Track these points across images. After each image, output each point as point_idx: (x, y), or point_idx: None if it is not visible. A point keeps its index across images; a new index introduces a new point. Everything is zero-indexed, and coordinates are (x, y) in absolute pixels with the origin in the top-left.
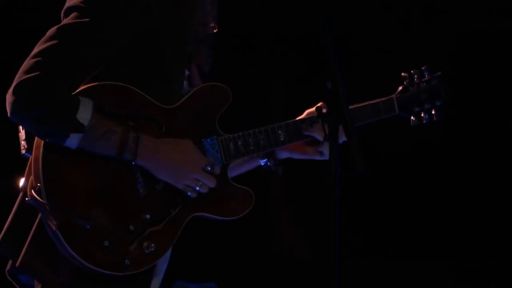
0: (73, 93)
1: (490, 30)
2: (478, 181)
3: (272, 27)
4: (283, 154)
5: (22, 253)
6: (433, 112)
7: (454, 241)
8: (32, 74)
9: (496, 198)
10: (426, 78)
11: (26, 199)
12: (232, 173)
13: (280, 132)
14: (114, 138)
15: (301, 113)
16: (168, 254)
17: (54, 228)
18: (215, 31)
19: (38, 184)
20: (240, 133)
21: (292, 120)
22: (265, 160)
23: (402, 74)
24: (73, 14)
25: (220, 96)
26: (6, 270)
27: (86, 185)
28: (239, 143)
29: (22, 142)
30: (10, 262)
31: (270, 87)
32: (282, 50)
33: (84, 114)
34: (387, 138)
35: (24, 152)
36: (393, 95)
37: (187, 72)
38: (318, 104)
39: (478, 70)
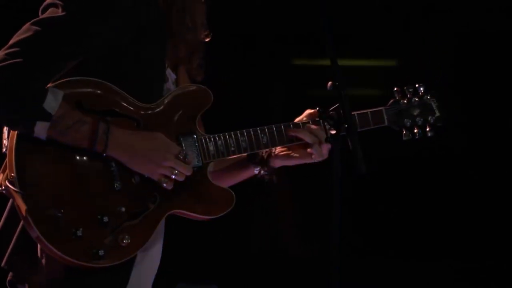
0: (48, 85)
1: (490, 30)
2: (478, 181)
3: (272, 27)
4: (277, 163)
5: (7, 253)
6: (427, 128)
7: (454, 241)
8: (1, 64)
9: (496, 198)
10: (420, 94)
11: (0, 188)
12: (227, 182)
13: (262, 135)
14: (84, 129)
15: (301, 113)
16: (158, 252)
17: (24, 213)
18: (207, 40)
19: (12, 174)
20: (221, 134)
21: (277, 124)
22: (258, 169)
23: (395, 88)
24: (50, 10)
25: (200, 97)
26: (7, 280)
27: (60, 175)
28: (219, 143)
29: (4, 141)
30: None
31: (270, 87)
32: (282, 50)
33: (53, 103)
34: (388, 138)
35: (4, 150)
36: (383, 107)
37: (173, 76)
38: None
39: (478, 70)
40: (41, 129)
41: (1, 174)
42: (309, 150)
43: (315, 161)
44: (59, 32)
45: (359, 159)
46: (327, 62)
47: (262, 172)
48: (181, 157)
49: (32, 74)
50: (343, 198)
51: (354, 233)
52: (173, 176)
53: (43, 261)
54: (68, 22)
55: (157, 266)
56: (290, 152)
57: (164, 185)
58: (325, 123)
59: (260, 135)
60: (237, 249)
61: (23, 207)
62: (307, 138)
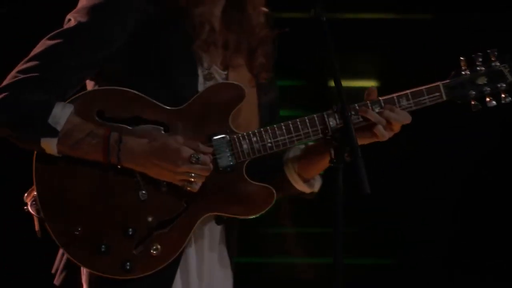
0: (63, 99)
1: None
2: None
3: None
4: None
5: (58, 273)
6: (501, 95)
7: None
8: (8, 82)
9: None
10: (489, 61)
11: (24, 207)
12: (311, 172)
13: (301, 126)
14: (95, 142)
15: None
16: (211, 256)
17: (52, 236)
18: (269, 33)
19: (34, 193)
20: (256, 130)
21: (317, 114)
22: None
23: (461, 58)
24: (65, 24)
25: (232, 93)
26: None
27: (80, 191)
28: (254, 139)
29: None
30: None
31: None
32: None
33: (59, 119)
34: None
35: None
36: (440, 82)
37: (223, 74)
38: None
39: None
40: (50, 146)
41: (33, 193)
42: (375, 130)
43: (380, 140)
44: (68, 43)
45: (363, 179)
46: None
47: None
48: (194, 160)
49: (37, 90)
50: (347, 216)
51: (357, 250)
52: (192, 179)
53: (84, 271)
54: (77, 31)
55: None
56: (359, 132)
57: (189, 188)
58: (329, 145)
59: (300, 126)
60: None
61: (48, 228)
62: (373, 118)
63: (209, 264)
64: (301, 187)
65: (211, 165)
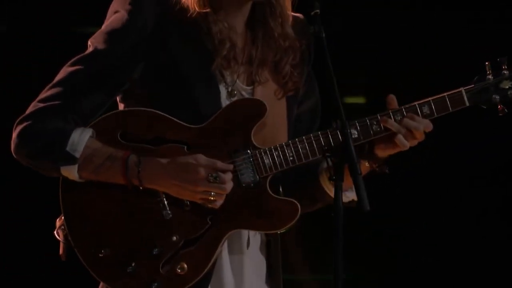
0: (86, 124)
1: None
2: None
3: None
4: (380, 152)
5: None
6: None
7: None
8: (29, 111)
9: None
10: None
11: (54, 232)
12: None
13: (323, 139)
14: (115, 165)
15: None
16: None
17: (80, 259)
18: (286, 45)
19: (62, 218)
20: (278, 144)
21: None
22: (368, 163)
23: (486, 63)
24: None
25: (253, 109)
26: None
27: (105, 214)
28: (276, 154)
29: None
30: None
31: None
32: None
33: (77, 146)
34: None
35: None
36: (462, 87)
37: (248, 89)
38: None
39: None
40: (71, 173)
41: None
42: (395, 139)
43: (403, 149)
44: (87, 70)
45: (363, 197)
46: (332, 100)
47: (373, 165)
48: (211, 179)
49: (57, 118)
50: (347, 236)
51: (358, 271)
52: (212, 198)
53: None
54: (95, 57)
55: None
56: (383, 143)
57: (210, 205)
58: (329, 160)
59: (321, 138)
60: None
61: (76, 251)
62: (393, 128)
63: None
64: None
65: (230, 183)
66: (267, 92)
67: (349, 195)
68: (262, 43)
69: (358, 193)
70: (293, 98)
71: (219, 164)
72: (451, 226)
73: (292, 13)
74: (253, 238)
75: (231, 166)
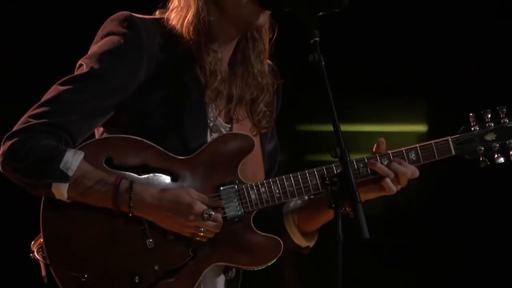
0: (74, 145)
1: None
2: None
3: None
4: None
5: None
6: (511, 152)
7: None
8: (19, 127)
9: None
10: (499, 118)
11: (30, 255)
12: (313, 225)
13: (311, 178)
14: (105, 190)
15: None
16: None
17: (58, 283)
18: (265, 81)
19: (41, 239)
20: (265, 180)
21: (326, 165)
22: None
23: (470, 114)
24: (76, 69)
25: (241, 144)
26: None
27: (88, 238)
28: (262, 190)
29: None
30: None
31: None
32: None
33: (71, 164)
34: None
35: None
36: (449, 136)
37: (227, 126)
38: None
39: None
40: (61, 191)
41: (39, 240)
42: (382, 183)
43: (389, 194)
44: (80, 89)
45: (363, 225)
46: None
47: (347, 208)
48: (206, 216)
49: (48, 136)
50: (346, 263)
51: None
52: (202, 234)
53: None
54: (89, 78)
55: None
56: (367, 186)
57: (197, 239)
58: (329, 189)
59: (308, 178)
60: None
61: (54, 276)
62: (382, 171)
63: None
64: (299, 240)
65: (221, 221)
66: (244, 129)
67: (312, 239)
68: (241, 80)
69: (358, 221)
70: (265, 135)
71: (212, 200)
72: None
73: None
74: (230, 272)
75: (221, 203)
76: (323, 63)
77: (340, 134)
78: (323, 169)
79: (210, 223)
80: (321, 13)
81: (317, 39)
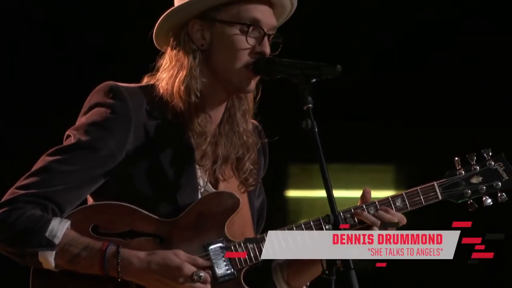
0: (62, 215)
1: None
2: None
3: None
4: None
5: None
6: (497, 194)
7: None
8: (7, 198)
9: None
10: (484, 161)
11: None
12: (303, 281)
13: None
14: (92, 256)
15: None
16: None
17: None
18: (248, 140)
19: None
20: (253, 237)
21: (313, 219)
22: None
23: (456, 158)
24: (64, 139)
25: (227, 203)
26: None
27: None
28: (251, 247)
29: None
30: None
31: None
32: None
33: (56, 232)
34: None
35: None
36: (435, 181)
37: (211, 187)
38: None
39: None
40: (48, 259)
41: None
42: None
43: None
44: (68, 160)
45: None
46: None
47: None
48: (196, 278)
49: (35, 206)
50: None
51: None
52: None
53: None
54: (77, 149)
55: None
56: None
57: None
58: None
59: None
60: None
61: None
62: (368, 221)
63: None
64: None
65: (209, 283)
66: (231, 187)
67: None
68: (226, 139)
69: (351, 285)
70: (253, 192)
71: (200, 261)
72: None
73: None
74: None
75: (209, 263)
76: (316, 129)
77: (333, 200)
78: (311, 222)
79: (200, 285)
80: (314, 80)
81: (310, 105)
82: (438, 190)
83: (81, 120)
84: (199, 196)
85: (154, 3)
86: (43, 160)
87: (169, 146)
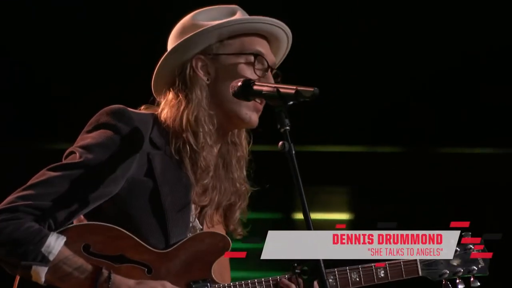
0: (56, 230)
1: None
2: None
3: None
4: None
5: None
6: (471, 279)
7: None
8: (4, 207)
9: None
10: (465, 246)
11: None
12: None
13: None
14: (84, 277)
15: None
16: None
17: None
18: (243, 188)
19: None
20: (237, 282)
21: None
22: None
23: None
24: (69, 157)
25: (218, 244)
26: None
27: None
28: None
29: None
30: None
31: None
32: None
33: (52, 248)
34: None
35: None
36: (417, 257)
37: (201, 228)
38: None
39: None
40: (39, 274)
41: None
42: None
43: None
44: (68, 178)
45: None
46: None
47: None
48: None
49: (32, 218)
50: None
51: None
52: None
53: None
54: (79, 167)
55: None
56: None
57: None
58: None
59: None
60: None
61: None
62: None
63: None
64: None
65: None
66: (218, 230)
67: None
68: (220, 185)
69: None
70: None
71: None
72: None
73: None
74: None
75: None
76: (294, 151)
77: (310, 222)
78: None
79: None
80: (291, 102)
81: (287, 127)
82: (419, 266)
83: (87, 138)
84: (189, 231)
85: (154, 3)
86: (45, 173)
87: (169, 178)
